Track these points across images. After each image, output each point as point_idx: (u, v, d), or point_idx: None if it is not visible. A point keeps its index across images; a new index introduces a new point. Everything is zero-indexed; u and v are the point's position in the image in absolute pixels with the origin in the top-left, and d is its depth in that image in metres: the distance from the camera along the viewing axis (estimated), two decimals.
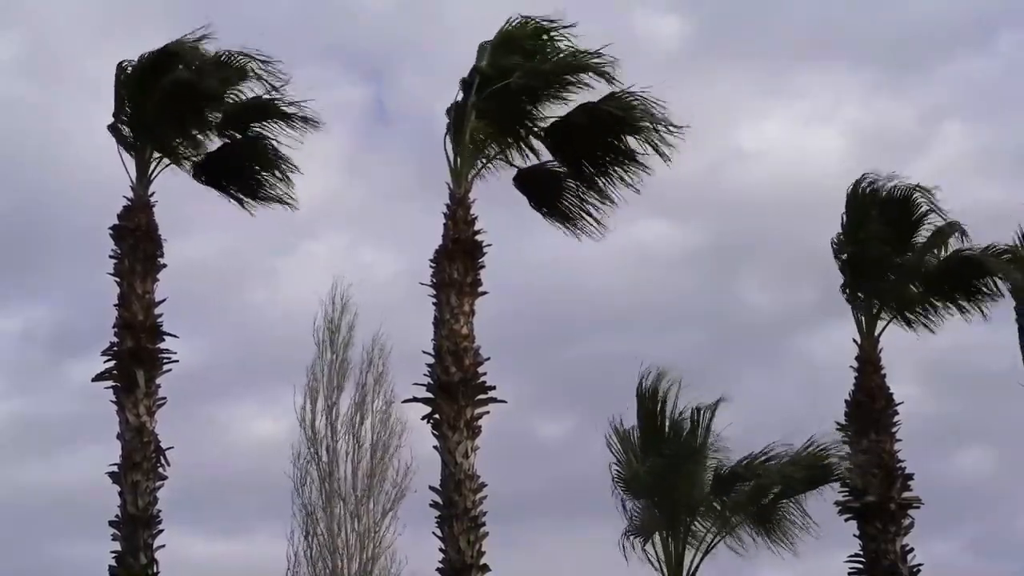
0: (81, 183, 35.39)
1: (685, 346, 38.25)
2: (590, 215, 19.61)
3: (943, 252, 20.39)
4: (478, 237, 18.51)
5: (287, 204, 20.30)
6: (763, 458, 19.50)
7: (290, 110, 19.42)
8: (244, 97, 19.54)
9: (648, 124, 18.57)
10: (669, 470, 19.21)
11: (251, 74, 19.25)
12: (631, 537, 19.02)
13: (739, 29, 45.63)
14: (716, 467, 19.70)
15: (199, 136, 19.87)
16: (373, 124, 48.28)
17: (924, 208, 20.34)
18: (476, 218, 18.62)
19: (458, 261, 18.32)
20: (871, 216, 20.17)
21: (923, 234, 20.41)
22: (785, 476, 19.30)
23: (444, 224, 18.56)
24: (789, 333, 42.20)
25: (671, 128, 18.42)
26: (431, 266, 18.50)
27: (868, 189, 20.29)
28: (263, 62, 19.10)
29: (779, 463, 19.42)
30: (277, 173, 20.11)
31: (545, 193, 19.69)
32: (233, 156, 20.12)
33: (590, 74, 18.59)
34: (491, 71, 18.59)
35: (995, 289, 20.37)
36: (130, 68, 19.20)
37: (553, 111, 19.07)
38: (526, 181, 19.62)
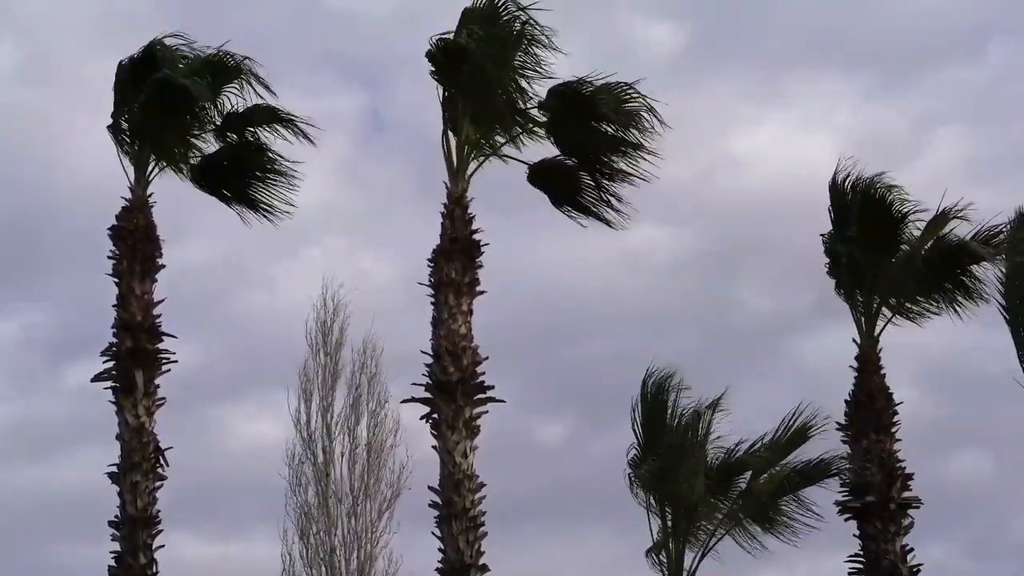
0: (79, 186, 35.50)
1: (683, 349, 38.30)
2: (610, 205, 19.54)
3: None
4: (476, 236, 18.48)
5: (283, 214, 20.16)
6: (744, 448, 19.45)
7: (290, 116, 19.42)
8: (240, 101, 19.50)
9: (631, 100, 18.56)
10: (668, 471, 19.14)
11: (244, 74, 19.17)
12: (655, 553, 18.96)
13: (733, 35, 45.79)
14: (707, 463, 19.56)
15: (195, 140, 19.78)
16: (370, 131, 48.40)
17: (907, 208, 20.18)
18: (474, 217, 18.59)
19: (456, 260, 18.28)
20: (855, 212, 20.07)
21: (910, 230, 20.26)
22: (760, 459, 19.27)
23: (442, 224, 18.52)
24: (786, 336, 42.29)
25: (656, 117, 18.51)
26: (429, 265, 18.48)
27: (845, 182, 20.09)
28: (250, 62, 19.09)
29: (760, 448, 19.36)
30: (277, 181, 20.00)
31: (562, 186, 19.59)
32: (231, 162, 19.97)
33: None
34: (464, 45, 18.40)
35: (985, 278, 20.06)
36: (121, 68, 19.10)
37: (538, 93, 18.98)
38: (540, 176, 19.55)
